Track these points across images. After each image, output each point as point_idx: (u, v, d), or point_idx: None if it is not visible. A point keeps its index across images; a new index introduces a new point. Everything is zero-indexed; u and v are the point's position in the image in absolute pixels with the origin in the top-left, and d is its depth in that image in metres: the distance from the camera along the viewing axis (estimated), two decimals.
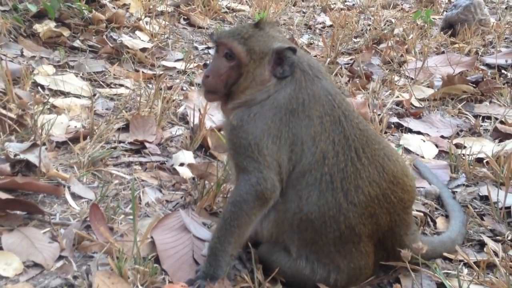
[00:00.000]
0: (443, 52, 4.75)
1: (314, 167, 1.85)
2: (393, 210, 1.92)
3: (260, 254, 1.99)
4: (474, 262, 2.05)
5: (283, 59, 1.94)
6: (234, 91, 1.99)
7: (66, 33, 3.92)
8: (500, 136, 3.26)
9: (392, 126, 3.34)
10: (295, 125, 1.88)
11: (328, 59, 4.37)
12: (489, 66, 4.49)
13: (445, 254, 2.15)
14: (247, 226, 1.87)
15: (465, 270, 2.10)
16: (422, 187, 2.65)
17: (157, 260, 1.95)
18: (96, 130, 2.74)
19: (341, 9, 6.45)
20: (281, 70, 1.94)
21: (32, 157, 2.34)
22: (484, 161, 2.91)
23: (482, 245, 2.27)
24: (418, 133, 3.33)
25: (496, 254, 2.14)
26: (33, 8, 3.83)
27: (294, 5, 6.44)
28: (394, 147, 2.90)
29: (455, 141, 3.16)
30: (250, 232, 1.93)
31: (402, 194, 1.94)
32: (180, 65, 4.01)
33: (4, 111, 2.68)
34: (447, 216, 2.48)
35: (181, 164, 2.64)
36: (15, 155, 2.35)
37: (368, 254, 1.91)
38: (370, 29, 5.49)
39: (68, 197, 2.26)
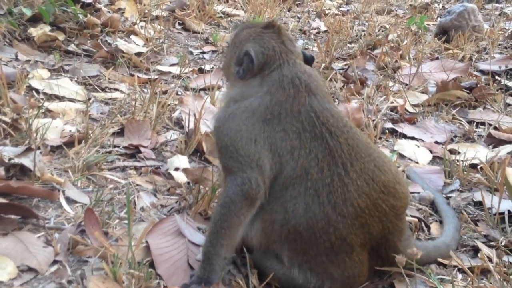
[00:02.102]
0: (437, 58, 4.76)
1: (297, 181, 1.84)
2: (385, 218, 1.91)
3: (254, 260, 1.98)
4: (468, 268, 2.06)
5: (246, 61, 2.05)
6: None
7: (61, 37, 3.92)
8: (494, 142, 3.27)
9: (387, 131, 3.35)
10: (270, 134, 1.89)
11: (323, 65, 4.38)
12: (483, 72, 4.50)
13: (439, 259, 2.15)
14: (237, 227, 1.87)
15: (459, 276, 2.11)
16: (416, 192, 2.66)
17: (152, 265, 1.95)
18: (91, 135, 2.74)
19: (336, 14, 6.46)
20: (240, 70, 2.07)
21: (26, 161, 2.34)
22: (478, 167, 2.93)
23: (476, 250, 2.27)
24: (413, 138, 3.33)
25: (490, 260, 2.14)
26: (28, 12, 3.82)
27: (289, 11, 6.46)
28: (388, 154, 2.91)
29: (449, 147, 3.17)
30: (241, 234, 1.93)
31: (394, 201, 1.92)
32: (175, 70, 4.01)
33: None
34: (441, 222, 2.48)
35: (176, 169, 2.63)
36: (10, 159, 2.34)
37: (362, 262, 1.90)
38: (364, 35, 5.51)
39: (63, 201, 2.25)
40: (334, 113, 1.96)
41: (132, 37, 4.37)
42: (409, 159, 3.08)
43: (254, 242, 1.96)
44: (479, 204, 2.59)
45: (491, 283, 1.99)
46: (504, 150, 3.08)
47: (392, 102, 3.76)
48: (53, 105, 3.07)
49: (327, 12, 6.50)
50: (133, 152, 2.76)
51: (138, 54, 4.07)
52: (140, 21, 4.66)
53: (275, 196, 1.87)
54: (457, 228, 2.34)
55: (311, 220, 1.82)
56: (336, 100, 3.73)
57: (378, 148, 2.05)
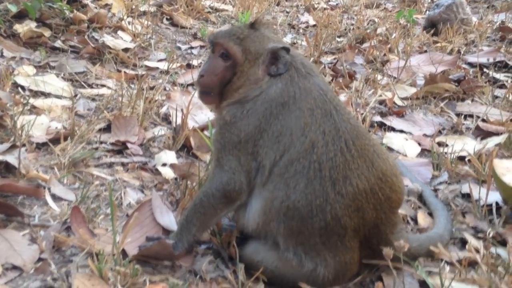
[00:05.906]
0: (425, 51, 4.76)
1: (303, 155, 1.87)
2: (379, 207, 1.92)
3: (244, 255, 1.98)
4: (457, 260, 2.06)
5: (277, 58, 2.00)
6: (228, 90, 2.04)
7: (47, 33, 3.89)
8: (481, 134, 3.28)
9: (375, 125, 3.34)
10: (285, 117, 1.92)
11: (312, 59, 4.38)
12: (471, 65, 4.51)
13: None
14: (211, 216, 2.00)
15: (447, 268, 2.10)
16: (405, 185, 2.65)
17: (138, 261, 1.94)
18: (77, 131, 2.72)
19: (325, 8, 6.46)
20: (276, 68, 2.00)
21: (11, 159, 2.32)
22: (466, 159, 2.92)
23: (464, 242, 2.27)
24: (401, 131, 3.33)
25: (478, 252, 2.14)
26: (14, 8, 3.79)
27: (277, 5, 6.44)
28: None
29: (437, 140, 3.16)
30: (215, 221, 2.05)
31: (389, 193, 1.95)
32: (163, 65, 3.99)
33: None
34: (430, 214, 2.48)
35: (164, 165, 2.62)
36: None
37: (353, 249, 1.91)
38: (353, 29, 5.51)
39: (48, 198, 2.23)
40: (335, 94, 2.04)
41: (119, 32, 4.35)
42: (398, 152, 3.07)
43: (251, 223, 1.98)
44: (467, 196, 2.60)
45: (478, 275, 1.99)
46: (491, 142, 3.08)
47: (381, 96, 3.75)
48: (38, 102, 3.05)
49: (316, 6, 6.49)
50: (120, 148, 2.74)
51: (126, 50, 4.04)
52: (128, 16, 4.64)
53: (279, 173, 1.90)
54: (448, 219, 2.35)
55: (311, 195, 1.85)
56: None
57: (375, 139, 2.08)
